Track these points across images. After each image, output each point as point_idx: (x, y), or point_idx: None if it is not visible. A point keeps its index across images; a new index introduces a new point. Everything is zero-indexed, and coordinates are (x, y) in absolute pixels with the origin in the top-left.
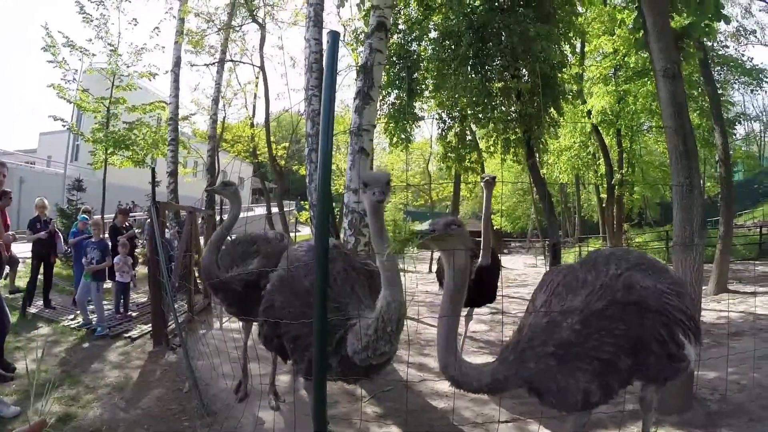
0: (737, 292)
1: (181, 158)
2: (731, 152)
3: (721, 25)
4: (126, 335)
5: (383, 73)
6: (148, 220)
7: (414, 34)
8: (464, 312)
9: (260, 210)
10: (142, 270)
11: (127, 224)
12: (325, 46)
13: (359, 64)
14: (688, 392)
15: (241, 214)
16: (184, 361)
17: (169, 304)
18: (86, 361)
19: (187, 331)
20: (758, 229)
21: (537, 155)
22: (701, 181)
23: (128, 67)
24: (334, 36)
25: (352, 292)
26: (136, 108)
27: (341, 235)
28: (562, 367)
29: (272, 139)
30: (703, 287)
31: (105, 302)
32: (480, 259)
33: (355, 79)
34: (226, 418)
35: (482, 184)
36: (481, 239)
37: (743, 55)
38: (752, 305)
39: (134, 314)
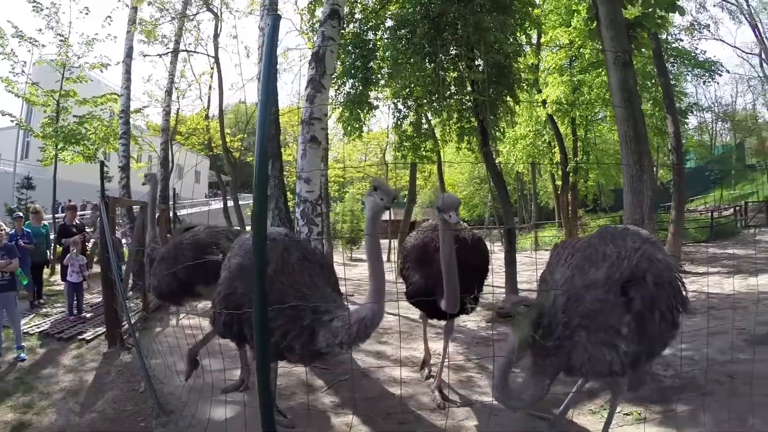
0: (689, 272)
1: (134, 152)
2: (684, 141)
3: (677, 19)
4: (80, 337)
5: (338, 63)
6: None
7: (370, 24)
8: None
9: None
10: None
11: (78, 222)
12: (287, 31)
13: (312, 52)
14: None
15: (199, 209)
16: (138, 361)
17: (121, 303)
18: (39, 366)
19: (141, 330)
20: (709, 214)
21: (491, 143)
22: (654, 168)
23: (79, 58)
24: (275, 20)
25: (312, 283)
26: (87, 101)
27: (295, 226)
28: (591, 337)
29: (228, 131)
30: None
31: (58, 304)
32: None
33: (308, 68)
34: (182, 416)
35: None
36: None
37: (696, 48)
38: (704, 285)
39: (89, 315)
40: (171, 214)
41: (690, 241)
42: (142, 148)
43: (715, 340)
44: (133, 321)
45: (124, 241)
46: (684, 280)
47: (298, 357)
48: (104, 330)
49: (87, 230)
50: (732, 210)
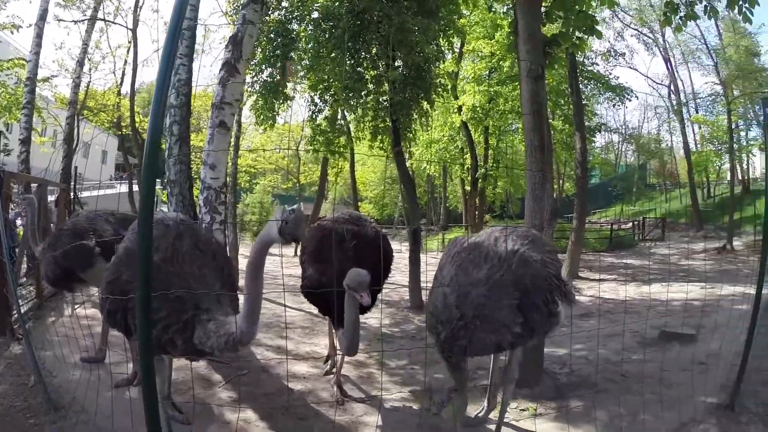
0: (587, 278)
1: (38, 125)
2: (590, 158)
3: (595, 44)
4: None
5: (258, 49)
6: None
7: (296, 13)
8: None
9: (124, 187)
10: None
11: None
12: (212, 11)
13: (230, 35)
14: (538, 367)
15: (103, 192)
16: (28, 353)
17: (11, 290)
18: None
19: (34, 320)
20: (609, 226)
21: (404, 144)
22: (561, 180)
23: None
24: None
25: (200, 274)
26: None
27: (198, 213)
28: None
29: (139, 110)
30: None
31: None
32: None
33: (224, 50)
34: (73, 411)
35: None
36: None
37: (610, 73)
38: (600, 290)
39: None
40: (72, 196)
41: (590, 250)
42: (46, 121)
43: (609, 341)
44: (25, 309)
45: (18, 221)
46: (559, 274)
47: (180, 352)
48: None
49: None
50: (631, 224)
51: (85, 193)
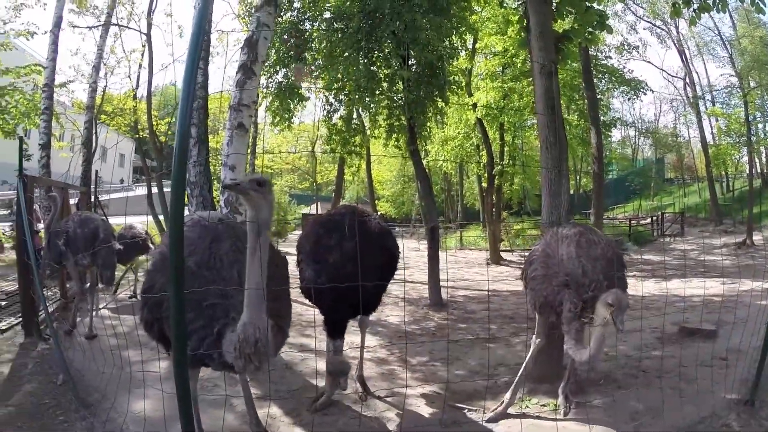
0: None
1: (56, 130)
2: (607, 153)
3: (608, 38)
4: None
5: (272, 51)
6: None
7: (308, 14)
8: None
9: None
10: (11, 255)
11: None
12: (224, 14)
13: (245, 38)
14: (559, 362)
15: (121, 195)
16: (57, 352)
17: (37, 291)
18: None
19: (60, 320)
20: (628, 221)
21: (420, 143)
22: (578, 176)
23: (5, 23)
24: None
25: (240, 279)
26: (9, 71)
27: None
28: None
29: (156, 113)
30: None
31: None
32: None
33: (240, 53)
34: (101, 409)
35: None
36: None
37: (624, 66)
38: None
39: (3, 304)
40: (93, 199)
41: None
42: (64, 126)
43: (629, 337)
44: (50, 310)
45: (40, 225)
46: None
47: (218, 365)
48: (20, 320)
49: None
50: (649, 219)
51: (104, 196)
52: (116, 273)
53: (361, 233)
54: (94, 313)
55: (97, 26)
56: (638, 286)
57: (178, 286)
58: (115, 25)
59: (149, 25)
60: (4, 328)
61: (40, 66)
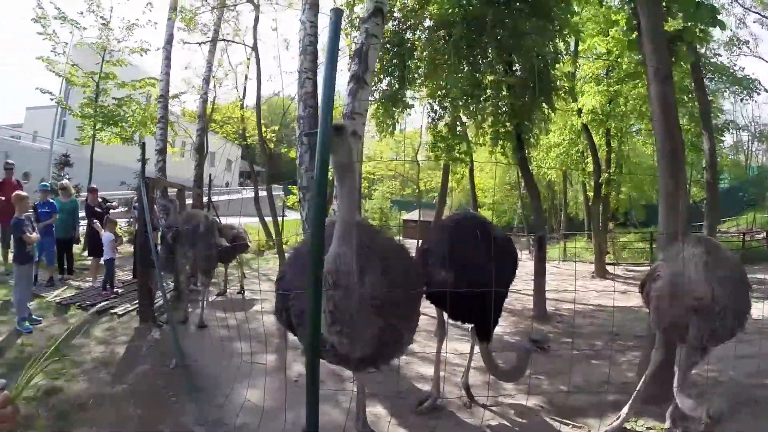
0: None
1: (169, 137)
2: (719, 159)
3: (716, 34)
4: (112, 311)
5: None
6: (136, 198)
7: (409, 23)
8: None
9: (249, 193)
10: (128, 249)
11: (100, 200)
12: (326, 26)
13: (355, 48)
14: (668, 384)
15: (232, 196)
16: (173, 339)
17: (157, 282)
18: (71, 335)
19: (174, 309)
20: (741, 236)
21: (526, 150)
22: (688, 185)
23: (119, 42)
24: (337, 13)
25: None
26: (125, 84)
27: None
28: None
29: (262, 121)
30: None
31: (89, 279)
32: None
33: (349, 63)
34: (213, 395)
35: None
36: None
37: (735, 64)
38: None
39: (120, 291)
40: (206, 200)
41: None
42: (177, 133)
43: (741, 363)
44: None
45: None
46: None
47: (331, 356)
48: (136, 306)
49: (112, 209)
50: (764, 234)
51: (214, 198)
52: (219, 269)
53: (492, 239)
54: (204, 304)
55: (205, 42)
56: (754, 308)
57: (316, 282)
58: (222, 40)
59: (255, 39)
60: (121, 312)
61: (154, 79)
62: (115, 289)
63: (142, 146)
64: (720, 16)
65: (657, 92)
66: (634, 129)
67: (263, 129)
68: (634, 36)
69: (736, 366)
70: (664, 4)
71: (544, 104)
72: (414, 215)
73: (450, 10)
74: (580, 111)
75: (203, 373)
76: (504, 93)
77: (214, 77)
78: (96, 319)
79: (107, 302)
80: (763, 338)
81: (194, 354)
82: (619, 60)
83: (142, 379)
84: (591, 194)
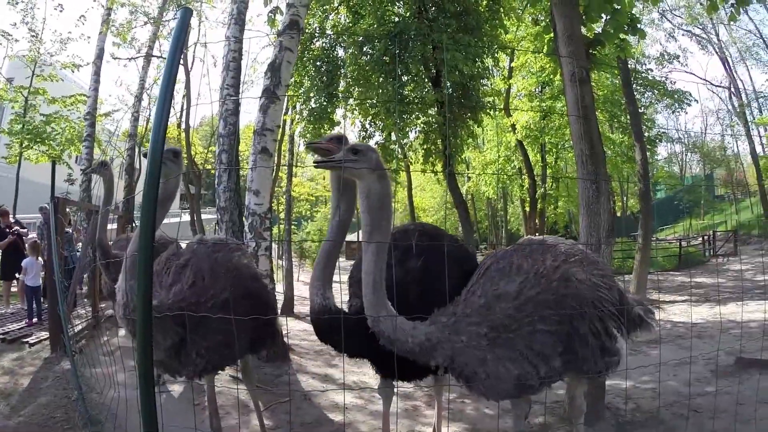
0: (656, 300)
1: (101, 157)
2: (654, 171)
3: (647, 49)
4: (23, 341)
5: (305, 78)
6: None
7: (340, 40)
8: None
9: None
10: None
11: (12, 223)
12: (257, 42)
13: (269, 62)
14: (599, 402)
15: (170, 220)
16: (71, 369)
17: (61, 309)
18: None
19: (89, 338)
20: (678, 242)
21: (452, 165)
22: (625, 197)
23: (52, 56)
24: (185, 12)
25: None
26: (56, 100)
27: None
28: (492, 351)
29: (202, 142)
30: None
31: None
32: None
33: (264, 78)
34: (113, 428)
35: None
36: None
37: (666, 78)
38: (669, 313)
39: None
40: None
41: (658, 269)
42: (107, 152)
43: (679, 370)
44: (81, 327)
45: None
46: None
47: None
48: (48, 335)
49: (20, 234)
50: (700, 239)
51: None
52: None
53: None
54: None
55: (137, 57)
56: (689, 312)
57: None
58: (155, 56)
59: (186, 57)
60: (32, 341)
61: (84, 95)
62: (43, 319)
63: (53, 163)
64: (649, 31)
65: (574, 96)
66: (570, 144)
67: (199, 150)
68: (549, 36)
69: (675, 374)
70: (581, 8)
71: (470, 120)
72: (355, 236)
73: (375, 26)
74: (514, 127)
75: (105, 405)
76: (432, 110)
77: (148, 95)
78: (5, 348)
79: (20, 330)
80: (701, 342)
81: (102, 385)
82: (552, 77)
83: (41, 411)
84: (529, 209)
